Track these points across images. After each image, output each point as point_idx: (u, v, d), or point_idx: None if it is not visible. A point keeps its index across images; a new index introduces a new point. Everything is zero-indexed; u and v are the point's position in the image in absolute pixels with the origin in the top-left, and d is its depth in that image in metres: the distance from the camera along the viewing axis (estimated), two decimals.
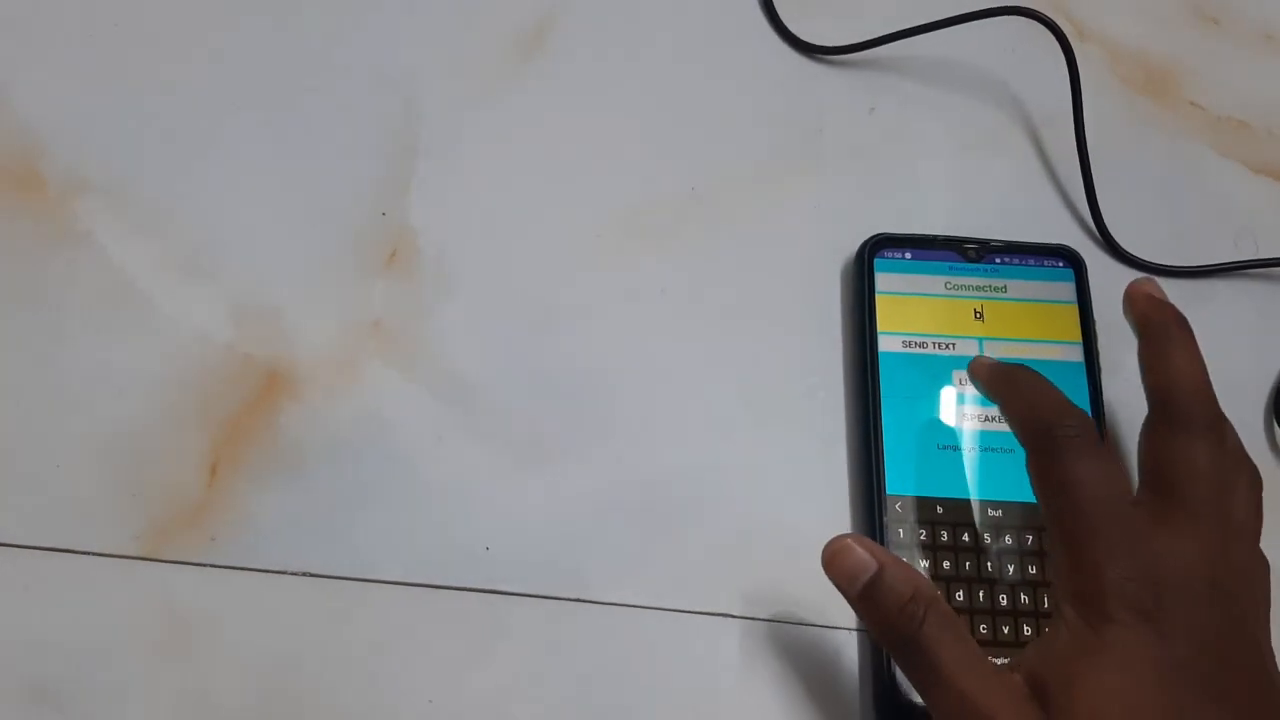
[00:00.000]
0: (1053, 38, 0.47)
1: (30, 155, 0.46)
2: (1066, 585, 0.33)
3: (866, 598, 0.34)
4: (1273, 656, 0.33)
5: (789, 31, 0.50)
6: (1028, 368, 0.37)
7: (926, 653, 0.32)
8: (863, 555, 0.34)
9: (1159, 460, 0.34)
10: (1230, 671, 0.31)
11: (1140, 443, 0.35)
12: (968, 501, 0.41)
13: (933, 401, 0.42)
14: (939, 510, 0.41)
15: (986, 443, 0.42)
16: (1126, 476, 0.34)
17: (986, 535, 0.40)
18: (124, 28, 0.49)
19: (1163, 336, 0.35)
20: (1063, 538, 0.33)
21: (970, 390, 0.42)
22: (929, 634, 0.32)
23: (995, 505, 0.41)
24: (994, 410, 0.42)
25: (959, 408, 0.42)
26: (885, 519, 0.41)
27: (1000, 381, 0.37)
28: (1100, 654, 0.31)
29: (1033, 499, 0.35)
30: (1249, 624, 0.32)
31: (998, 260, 0.45)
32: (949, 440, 0.42)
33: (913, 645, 0.32)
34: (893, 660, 0.34)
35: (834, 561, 0.34)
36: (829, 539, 0.35)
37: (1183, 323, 0.36)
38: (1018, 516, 0.40)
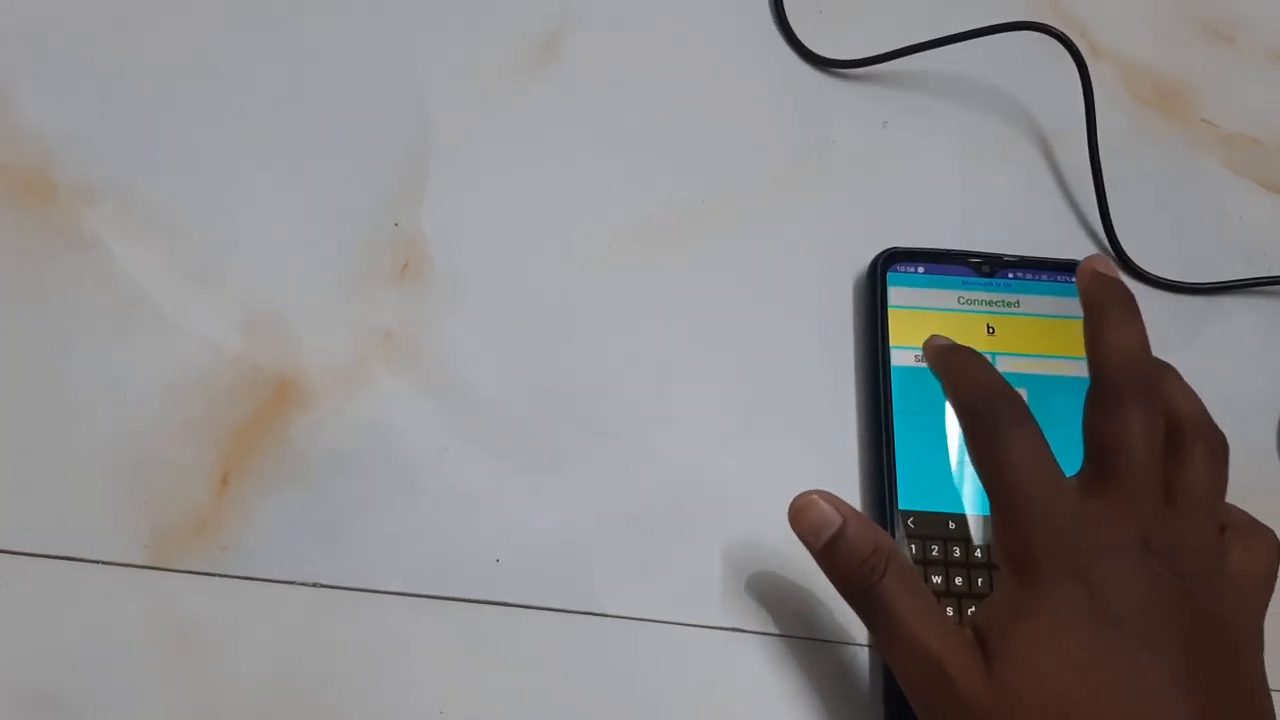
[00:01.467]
0: (1065, 53, 0.47)
1: (41, 162, 0.46)
2: (1003, 551, 0.34)
3: (829, 551, 0.35)
4: (1238, 626, 0.33)
5: (802, 45, 0.50)
6: (970, 350, 0.37)
7: (885, 604, 0.34)
8: (827, 510, 0.35)
9: (1093, 433, 0.34)
10: (1170, 629, 0.32)
11: (1083, 419, 0.35)
12: (980, 517, 0.41)
13: (945, 417, 0.42)
14: (951, 526, 0.41)
15: None
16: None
17: None
18: (134, 35, 0.48)
19: (1100, 310, 0.35)
20: (998, 509, 0.34)
21: None
22: (888, 586, 0.34)
23: None
24: None
25: None
26: (897, 534, 0.41)
27: (942, 363, 0.38)
28: (1033, 606, 0.33)
29: None
30: (1197, 594, 0.32)
31: (1010, 275, 0.45)
32: (961, 456, 0.42)
33: (872, 596, 0.34)
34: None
35: (799, 516, 0.36)
36: (795, 495, 0.36)
37: (1124, 297, 0.36)
38: None
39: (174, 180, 0.46)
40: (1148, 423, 0.33)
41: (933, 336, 0.39)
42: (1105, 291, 0.35)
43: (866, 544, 0.35)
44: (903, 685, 0.34)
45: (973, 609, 0.40)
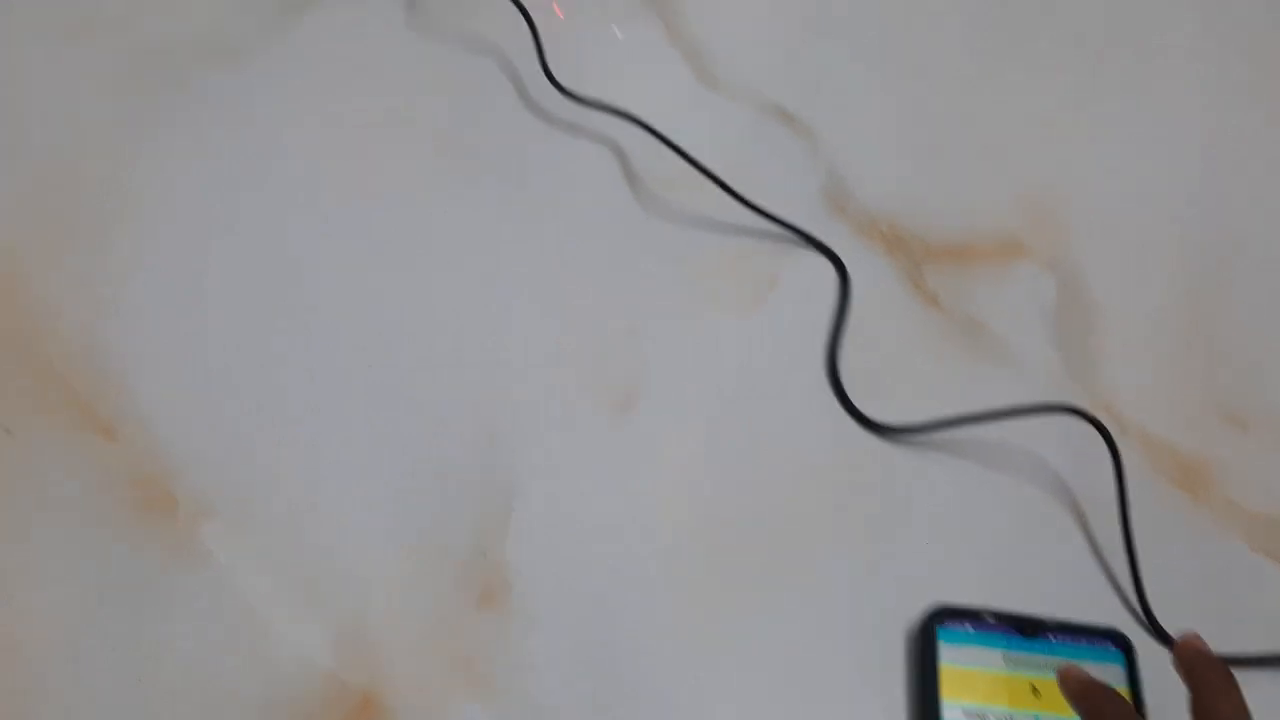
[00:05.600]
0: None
1: (166, 478, 0.50)
2: None
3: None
4: None
5: (858, 410, 0.55)
6: (1110, 689, 0.40)
7: None
8: None
9: None
10: None
11: None
12: None
13: None
14: None
15: None
16: None
17: None
18: (260, 370, 0.54)
19: (1209, 686, 0.38)
20: None
21: None
22: None
23: None
24: None
25: None
26: None
27: (1084, 698, 0.40)
28: None
29: None
30: None
31: (1052, 638, 0.48)
32: None
33: None
34: None
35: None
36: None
37: (1228, 673, 0.39)
38: None
39: (284, 505, 0.50)
40: None
41: (1069, 666, 0.41)
42: (1212, 667, 0.39)
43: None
44: None
45: None
